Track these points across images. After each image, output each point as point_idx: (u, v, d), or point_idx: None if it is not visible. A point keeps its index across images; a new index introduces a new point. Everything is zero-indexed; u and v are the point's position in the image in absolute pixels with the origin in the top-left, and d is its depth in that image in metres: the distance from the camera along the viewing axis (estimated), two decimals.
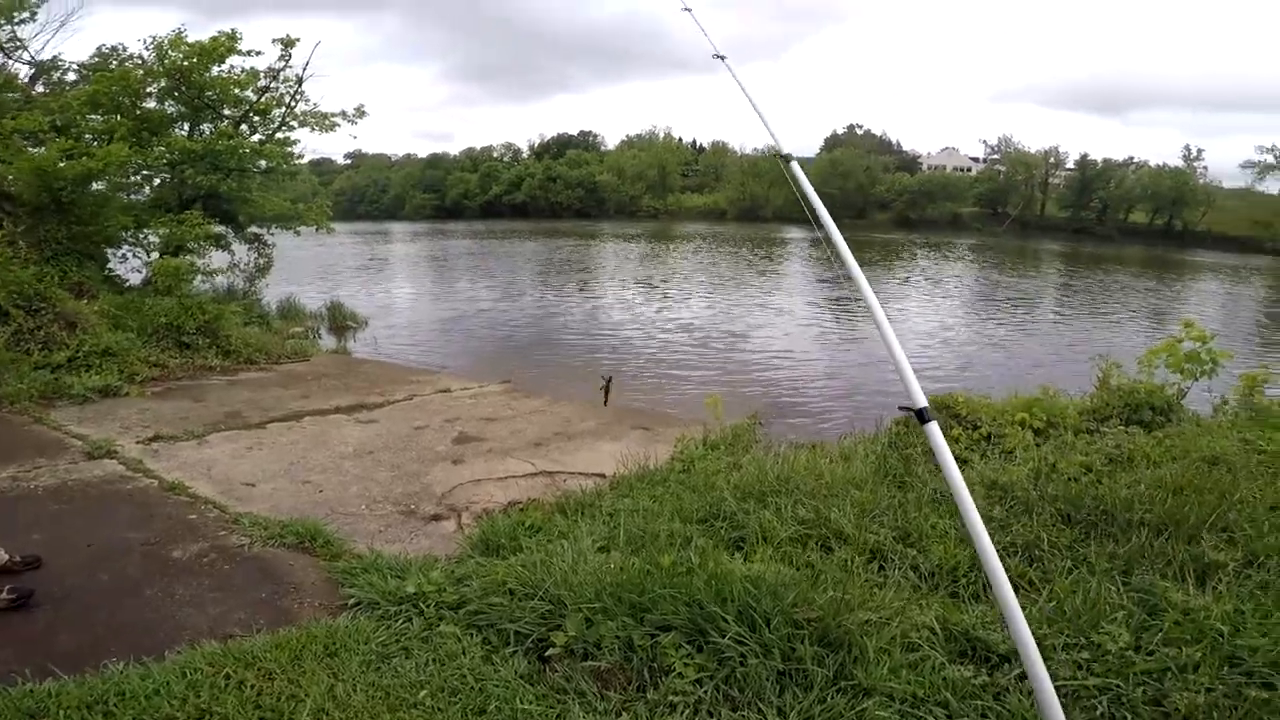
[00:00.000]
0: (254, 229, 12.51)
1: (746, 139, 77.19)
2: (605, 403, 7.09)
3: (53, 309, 7.26)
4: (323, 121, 12.07)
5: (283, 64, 11.35)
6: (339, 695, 2.20)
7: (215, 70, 10.79)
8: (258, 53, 11.11)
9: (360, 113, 12.35)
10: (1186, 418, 4.46)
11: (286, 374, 7.64)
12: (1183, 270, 33.74)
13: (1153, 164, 57.44)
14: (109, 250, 10.07)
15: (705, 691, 2.19)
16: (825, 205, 2.18)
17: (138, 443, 4.95)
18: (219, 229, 11.37)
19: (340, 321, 13.64)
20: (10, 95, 10.91)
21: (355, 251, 32.09)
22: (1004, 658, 2.32)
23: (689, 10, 2.73)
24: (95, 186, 9.55)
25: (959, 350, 14.48)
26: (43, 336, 6.91)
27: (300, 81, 11.64)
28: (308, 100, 11.93)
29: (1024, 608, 2.54)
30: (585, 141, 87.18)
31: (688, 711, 2.14)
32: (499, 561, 3.02)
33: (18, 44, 11.57)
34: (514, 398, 6.78)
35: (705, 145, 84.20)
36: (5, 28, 11.07)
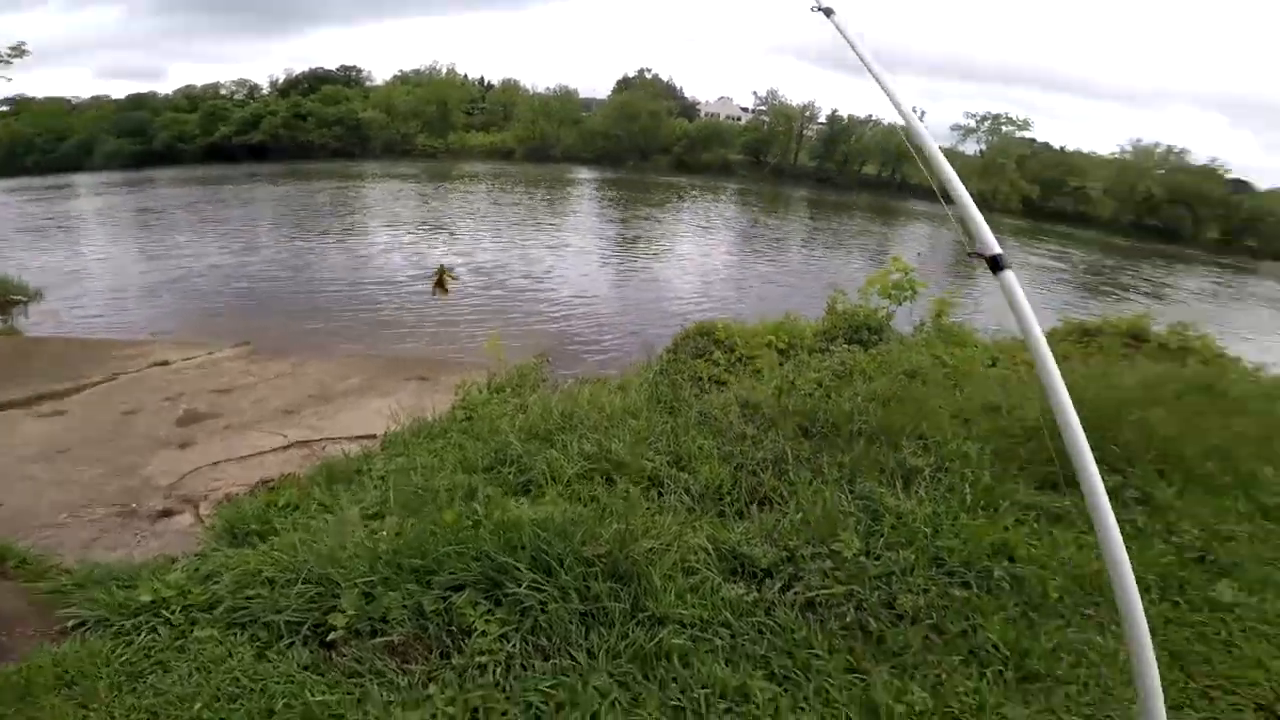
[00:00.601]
0: None
1: (539, 77, 74.50)
2: (434, 294, 6.39)
3: None
4: None
5: None
6: None
7: None
8: None
9: (20, 51, 9.68)
10: (894, 337, 5.34)
11: None
12: (901, 216, 40.56)
13: (885, 123, 66.95)
14: None
15: (513, 646, 2.15)
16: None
17: None
18: None
19: (3, 295, 10.60)
20: None
21: (20, 212, 24.92)
22: (766, 571, 2.57)
23: None
24: None
25: (731, 281, 15.92)
26: None
27: None
28: None
29: (775, 522, 2.90)
30: (347, 77, 76.48)
31: (499, 669, 2.07)
32: (250, 551, 2.66)
33: None
34: (254, 362, 5.89)
35: (495, 83, 79.30)
36: None
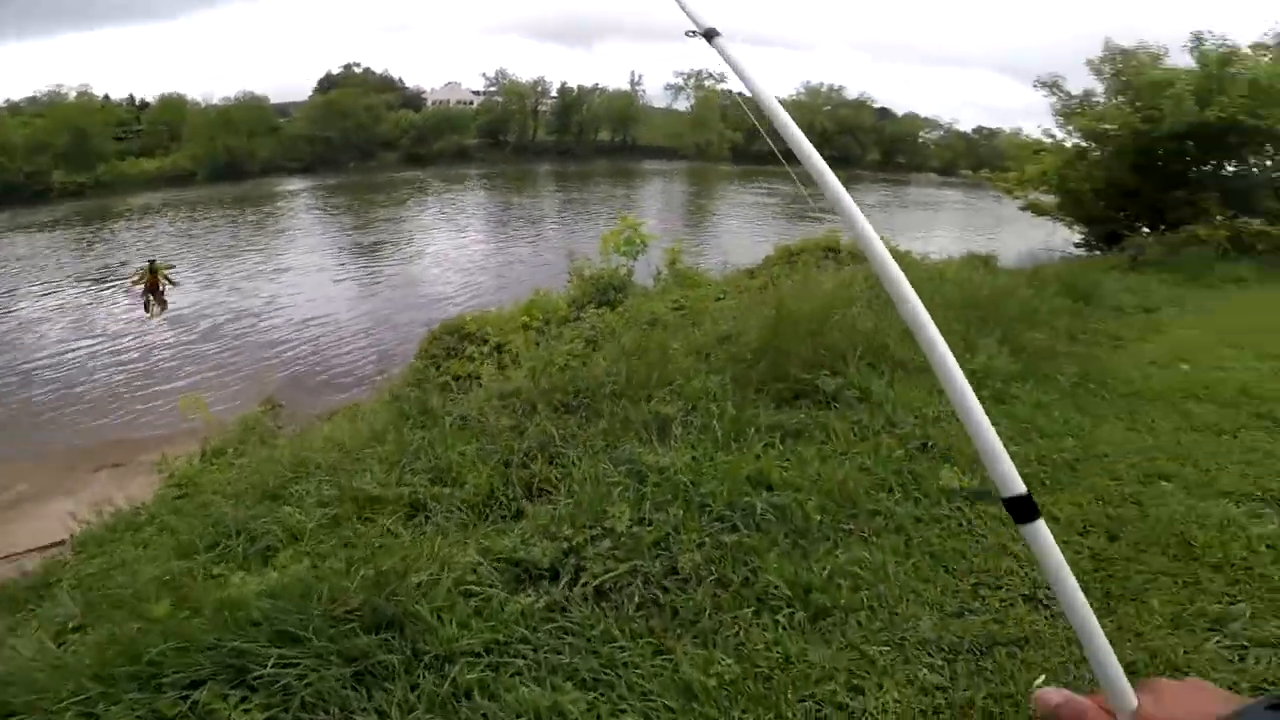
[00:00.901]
0: None
1: (214, 87, 63.90)
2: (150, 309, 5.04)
3: None
4: None
5: None
6: None
7: None
8: None
9: None
10: (637, 291, 5.51)
11: None
12: (637, 177, 42.90)
13: (610, 89, 69.42)
14: None
15: None
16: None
17: None
18: None
19: None
20: None
21: None
22: (551, 571, 2.36)
23: None
24: None
25: (493, 270, 15.41)
26: None
27: None
28: None
29: (551, 514, 2.74)
30: None
31: None
32: None
33: None
34: None
35: (150, 100, 65.67)
36: None
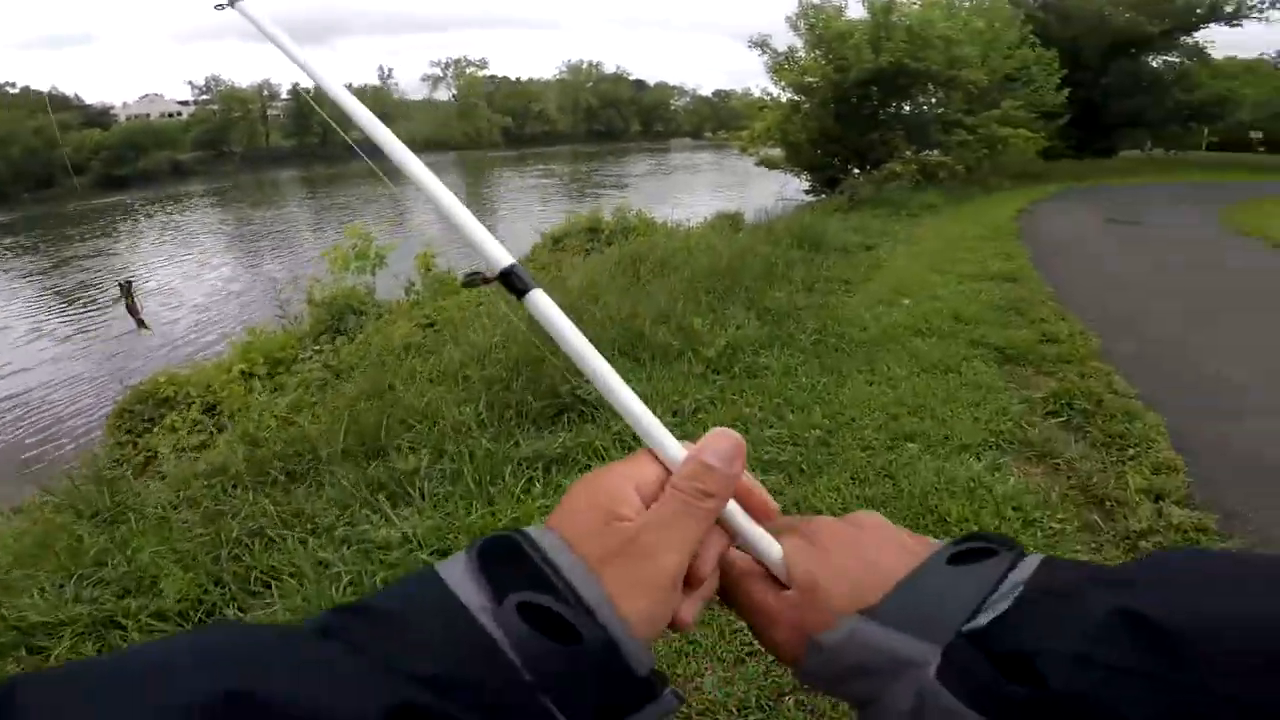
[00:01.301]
0: None
1: None
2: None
3: None
4: None
5: None
6: None
7: None
8: None
9: None
10: (380, 311, 4.82)
11: None
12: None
13: (357, 84, 63.60)
14: None
15: None
16: None
17: None
18: None
19: None
20: None
21: None
22: None
23: None
24: None
25: (239, 296, 13.22)
26: None
27: None
28: None
29: (269, 619, 2.17)
30: None
31: None
32: None
33: None
34: None
35: None
36: None
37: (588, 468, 2.67)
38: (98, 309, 13.62)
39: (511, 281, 0.44)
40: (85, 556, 2.53)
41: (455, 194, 0.46)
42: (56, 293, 16.14)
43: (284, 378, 3.95)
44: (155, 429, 3.92)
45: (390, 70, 68.43)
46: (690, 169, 40.16)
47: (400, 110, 64.35)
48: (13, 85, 60.21)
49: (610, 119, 61.98)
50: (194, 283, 15.48)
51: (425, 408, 2.99)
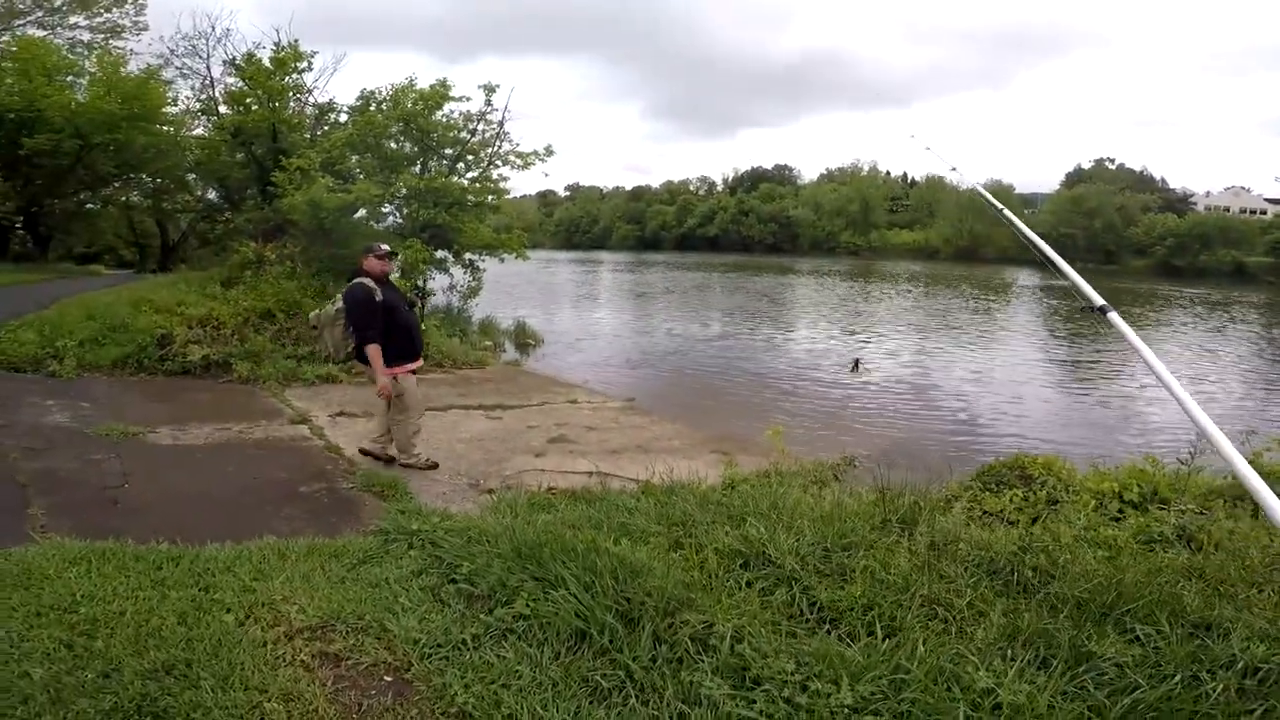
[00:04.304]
0: (469, 255, 14.41)
1: (969, 173, 71.43)
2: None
3: (304, 314, 9.54)
4: (523, 160, 13.82)
5: (488, 108, 13.28)
6: (314, 578, 2.98)
7: (436, 115, 12.95)
8: (467, 98, 13.15)
9: (549, 152, 13.85)
10: None
11: (461, 378, 9.11)
12: None
13: None
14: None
15: None
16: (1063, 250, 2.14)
17: (328, 416, 6.44)
18: (440, 254, 13.56)
19: (523, 339, 15.52)
20: (297, 136, 14.47)
21: (571, 279, 36.55)
22: None
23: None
24: (357, 215, 12.11)
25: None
26: (294, 335, 9.12)
27: (502, 124, 13.52)
28: (511, 140, 13.77)
29: None
30: (780, 175, 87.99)
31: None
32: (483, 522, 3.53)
33: (305, 89, 15.36)
34: (624, 414, 7.39)
35: (918, 179, 79.17)
36: (292, 76, 14.63)
37: None
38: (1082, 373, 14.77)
39: None
40: (834, 531, 3.09)
41: None
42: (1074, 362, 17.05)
43: (1150, 512, 3.61)
44: None
45: None
46: None
47: None
48: (1110, 159, 67.48)
49: None
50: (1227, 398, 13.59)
51: None
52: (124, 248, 27.18)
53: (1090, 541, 3.11)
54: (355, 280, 4.79)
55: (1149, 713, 1.92)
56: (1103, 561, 2.79)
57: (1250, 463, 4.35)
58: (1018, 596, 2.59)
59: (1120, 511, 3.61)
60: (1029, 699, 1.94)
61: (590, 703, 2.15)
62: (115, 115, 17.36)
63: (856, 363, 6.96)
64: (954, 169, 2.65)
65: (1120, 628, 2.35)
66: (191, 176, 21.17)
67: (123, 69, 19.78)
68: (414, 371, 5.02)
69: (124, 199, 22.92)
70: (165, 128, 19.29)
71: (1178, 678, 2.03)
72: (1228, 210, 59.79)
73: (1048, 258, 2.45)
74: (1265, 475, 3.94)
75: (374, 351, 4.65)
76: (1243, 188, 67.03)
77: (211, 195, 21.62)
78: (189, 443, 5.40)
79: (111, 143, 17.98)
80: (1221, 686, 1.96)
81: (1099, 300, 2.19)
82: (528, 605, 2.62)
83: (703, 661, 2.25)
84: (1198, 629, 2.31)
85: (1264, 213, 58.24)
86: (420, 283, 13.31)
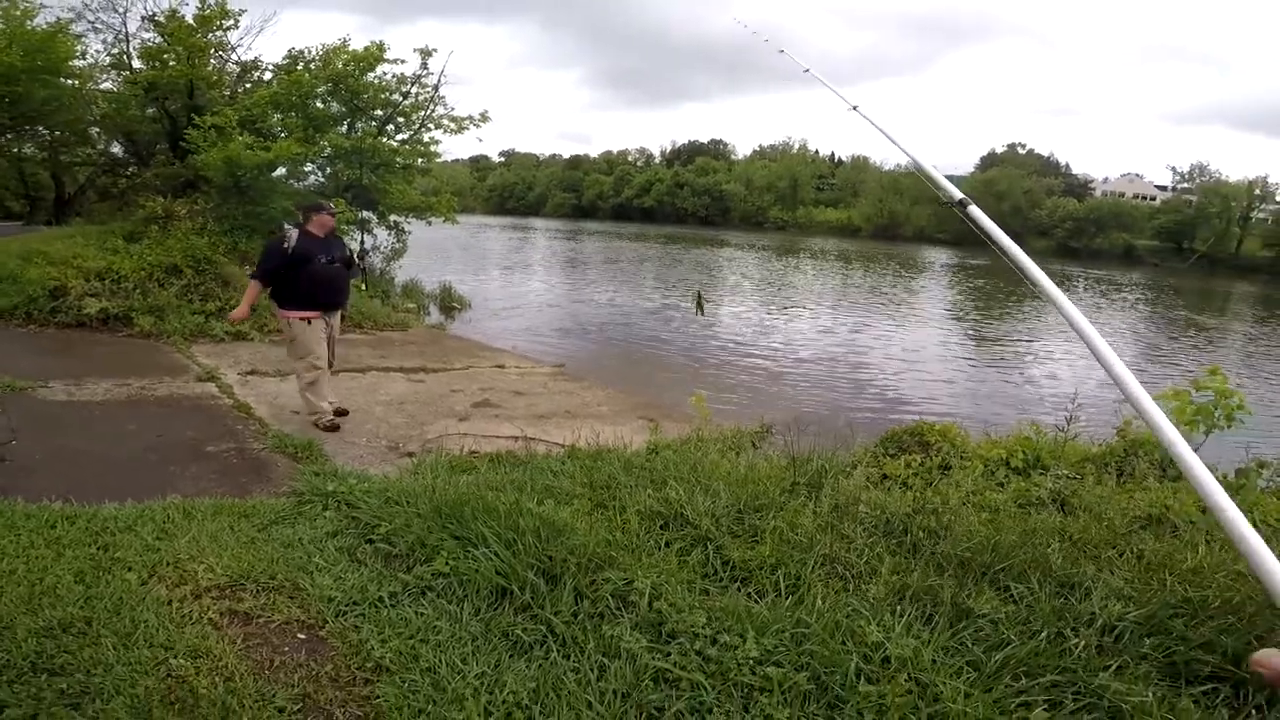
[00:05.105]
0: (394, 218, 13.91)
1: (890, 154, 73.83)
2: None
3: (215, 270, 8.97)
4: (457, 124, 13.40)
5: (423, 71, 12.86)
6: (223, 538, 2.91)
7: (368, 76, 12.48)
8: (402, 61, 12.74)
9: (485, 117, 13.46)
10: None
11: (380, 339, 8.82)
12: None
13: None
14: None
15: None
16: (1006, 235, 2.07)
17: (237, 374, 6.14)
18: (363, 215, 12.96)
19: (448, 302, 15.14)
20: (215, 93, 13.41)
21: (503, 245, 35.74)
22: None
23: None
24: (276, 173, 11.39)
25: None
26: (203, 290, 8.58)
27: (437, 88, 13.08)
28: (445, 104, 13.32)
29: None
30: (716, 150, 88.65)
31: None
32: (403, 484, 3.49)
33: (229, 47, 14.25)
34: (554, 379, 7.39)
35: (844, 159, 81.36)
36: (216, 33, 13.57)
37: None
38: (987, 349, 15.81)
39: None
40: (749, 493, 3.16)
41: None
42: (977, 335, 19.17)
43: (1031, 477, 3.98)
44: None
45: None
46: None
47: None
48: (1021, 145, 71.51)
49: None
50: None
51: None
52: (11, 199, 24.74)
53: (975, 505, 3.34)
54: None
55: (1019, 667, 2.06)
56: (985, 523, 3.00)
57: (1119, 433, 4.88)
58: (909, 556, 2.77)
59: (1006, 477, 3.96)
60: (914, 652, 2.10)
61: (511, 656, 2.20)
62: (15, 68, 15.63)
63: (699, 300, 7.28)
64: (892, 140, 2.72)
65: (997, 585, 2.55)
66: (95, 130, 19.28)
67: (29, 23, 17.66)
68: (308, 320, 4.81)
69: (15, 150, 20.67)
70: (70, 81, 17.48)
71: (1045, 634, 2.18)
72: (1123, 196, 64.52)
73: (921, 169, 2.59)
74: (1134, 445, 4.43)
75: (251, 286, 4.90)
76: (1137, 175, 72.46)
77: (116, 150, 19.76)
78: (85, 399, 5.06)
79: (8, 94, 16.21)
80: (1083, 643, 2.14)
81: (958, 194, 2.25)
82: (448, 563, 2.65)
83: (623, 617, 2.33)
84: (1063, 587, 2.51)
85: (1154, 199, 63.17)
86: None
